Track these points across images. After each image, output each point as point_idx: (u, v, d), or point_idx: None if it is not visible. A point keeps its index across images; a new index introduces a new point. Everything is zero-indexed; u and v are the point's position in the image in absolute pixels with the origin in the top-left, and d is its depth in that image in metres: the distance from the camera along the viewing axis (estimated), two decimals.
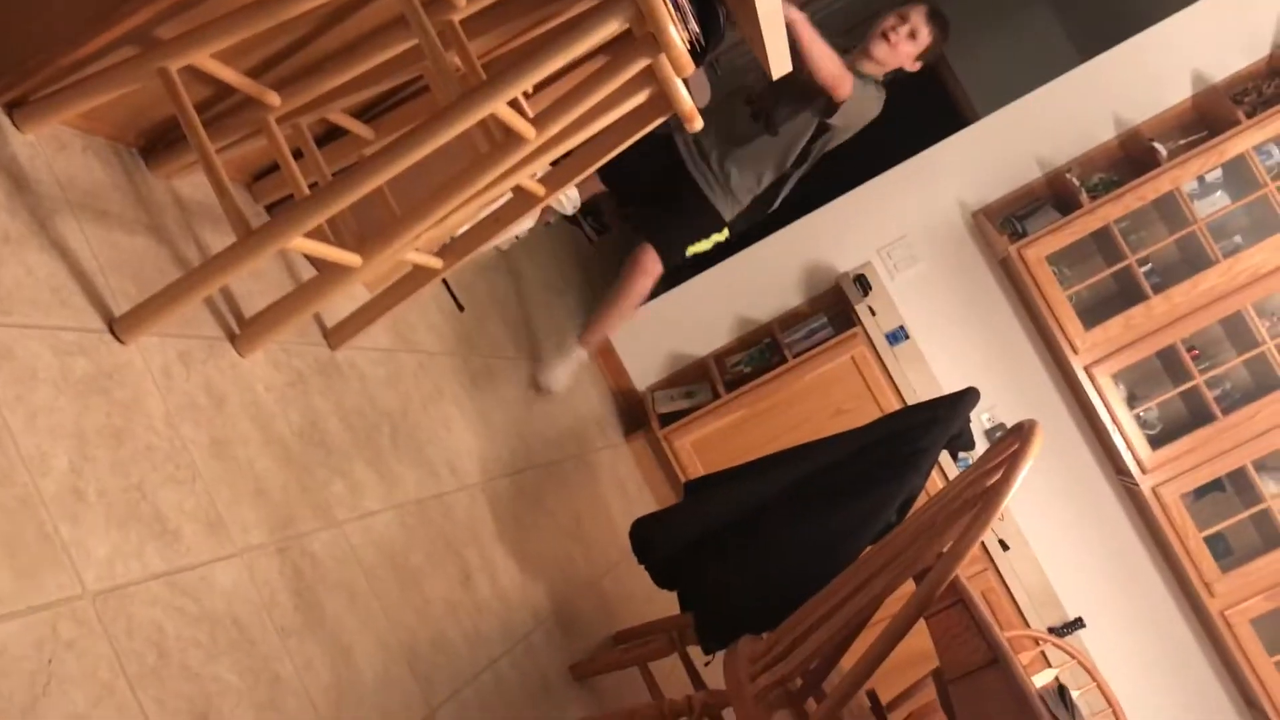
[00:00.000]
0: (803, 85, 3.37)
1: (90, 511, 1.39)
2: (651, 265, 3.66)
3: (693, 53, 1.80)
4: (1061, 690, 2.01)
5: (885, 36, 3.55)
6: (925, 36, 3.58)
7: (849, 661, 2.15)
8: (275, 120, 1.91)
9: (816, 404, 4.26)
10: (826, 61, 3.31)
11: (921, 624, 1.80)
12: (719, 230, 3.70)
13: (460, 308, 3.24)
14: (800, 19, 3.21)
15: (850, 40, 3.73)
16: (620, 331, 4.58)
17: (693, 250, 3.71)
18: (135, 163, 1.92)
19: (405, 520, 2.22)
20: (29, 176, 1.63)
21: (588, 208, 4.30)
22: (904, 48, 3.56)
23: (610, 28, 1.64)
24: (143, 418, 1.58)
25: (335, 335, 2.29)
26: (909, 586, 1.87)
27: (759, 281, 4.51)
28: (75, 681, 1.23)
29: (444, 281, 3.24)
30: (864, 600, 1.78)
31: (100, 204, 1.76)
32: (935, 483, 4.08)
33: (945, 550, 1.68)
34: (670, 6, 1.63)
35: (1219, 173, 4.12)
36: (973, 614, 1.89)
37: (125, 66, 1.62)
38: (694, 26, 1.73)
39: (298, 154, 2.09)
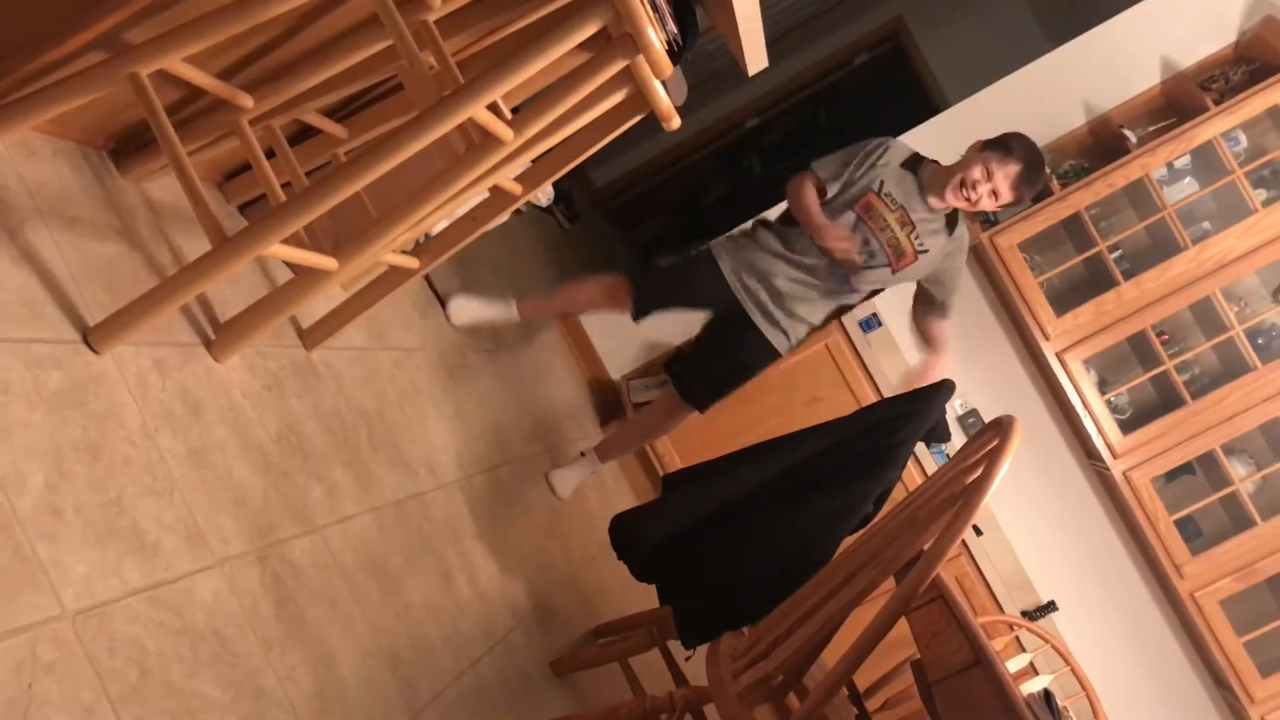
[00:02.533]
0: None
1: (68, 529, 1.37)
2: (683, 411, 3.43)
3: (670, 53, 1.79)
4: (1048, 696, 2.02)
5: (963, 190, 3.07)
6: (1006, 199, 3.10)
7: (828, 654, 2.16)
8: (248, 122, 1.88)
9: (791, 392, 4.27)
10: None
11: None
12: (766, 367, 3.36)
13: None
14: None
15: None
16: (596, 320, 4.58)
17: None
18: (105, 166, 1.89)
19: (384, 522, 2.20)
20: None
21: (560, 195, 4.29)
22: (982, 205, 3.10)
23: (588, 30, 1.62)
24: (119, 429, 1.56)
25: (310, 336, 2.27)
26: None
27: None
28: (56, 705, 1.22)
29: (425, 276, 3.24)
30: (846, 598, 1.79)
31: (71, 210, 1.73)
32: (910, 472, 4.11)
33: (926, 548, 1.69)
34: (649, 8, 1.62)
35: (1188, 159, 4.15)
36: (954, 611, 1.90)
37: (95, 71, 1.59)
38: (672, 27, 1.72)
39: (270, 153, 2.06)
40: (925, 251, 3.16)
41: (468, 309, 3.30)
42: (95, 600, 1.35)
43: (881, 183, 3.14)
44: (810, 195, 3.13)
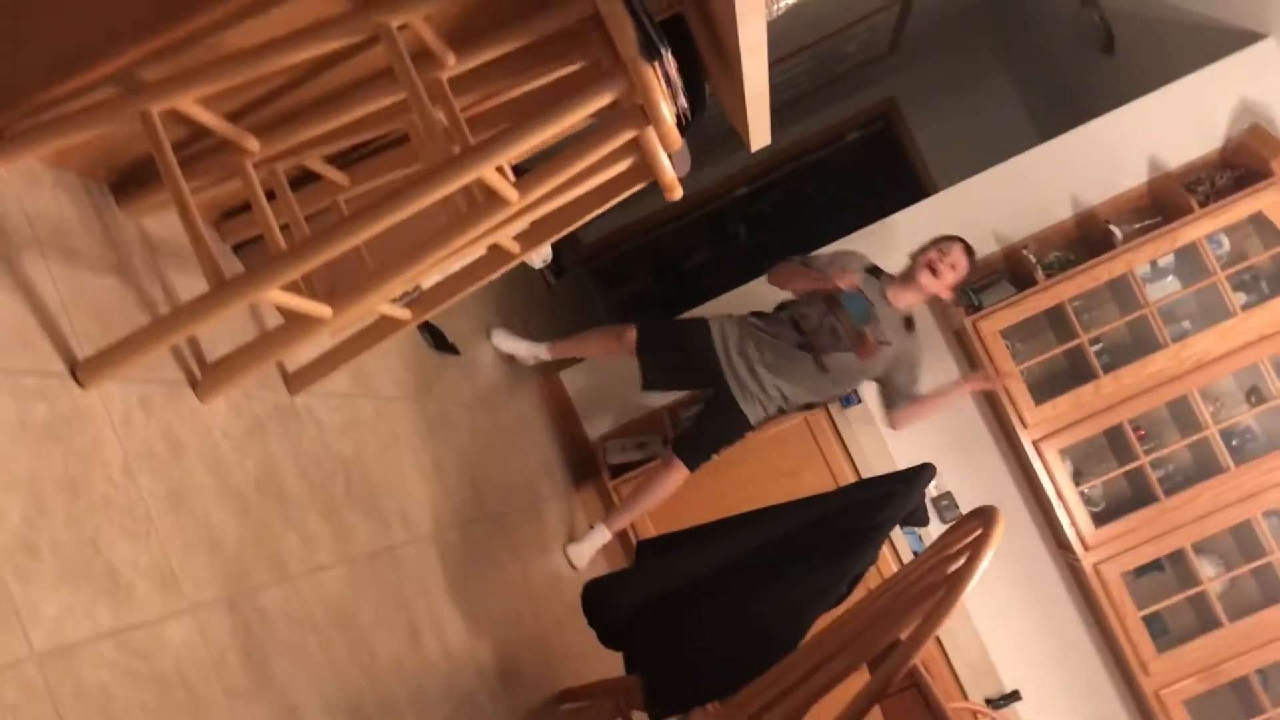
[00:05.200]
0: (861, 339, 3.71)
1: (43, 568, 1.34)
2: (678, 471, 3.80)
3: (679, 127, 1.80)
4: None
5: (931, 268, 3.75)
6: (963, 269, 3.80)
7: None
8: (252, 165, 1.88)
9: (768, 463, 4.27)
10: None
11: None
12: (743, 434, 3.84)
13: (456, 351, 3.44)
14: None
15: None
16: (575, 380, 4.58)
17: (718, 457, 3.86)
18: (105, 200, 1.88)
19: (356, 574, 2.17)
20: None
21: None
22: (947, 278, 3.76)
23: (602, 100, 1.63)
24: (101, 467, 1.53)
25: (296, 381, 2.25)
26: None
27: None
28: None
29: (431, 327, 3.29)
30: (820, 681, 1.78)
31: (68, 242, 1.72)
32: (884, 555, 4.10)
33: (906, 636, 1.68)
34: (663, 82, 1.63)
35: (1171, 258, 4.20)
36: (928, 699, 1.89)
37: (107, 107, 1.59)
38: (683, 102, 1.74)
39: (269, 195, 2.06)
40: (887, 344, 3.73)
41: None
42: (64, 642, 1.32)
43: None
44: (801, 269, 3.78)
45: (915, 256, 3.83)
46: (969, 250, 3.82)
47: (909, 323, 3.85)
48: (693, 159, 3.69)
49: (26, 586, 1.30)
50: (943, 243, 3.82)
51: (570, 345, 4.09)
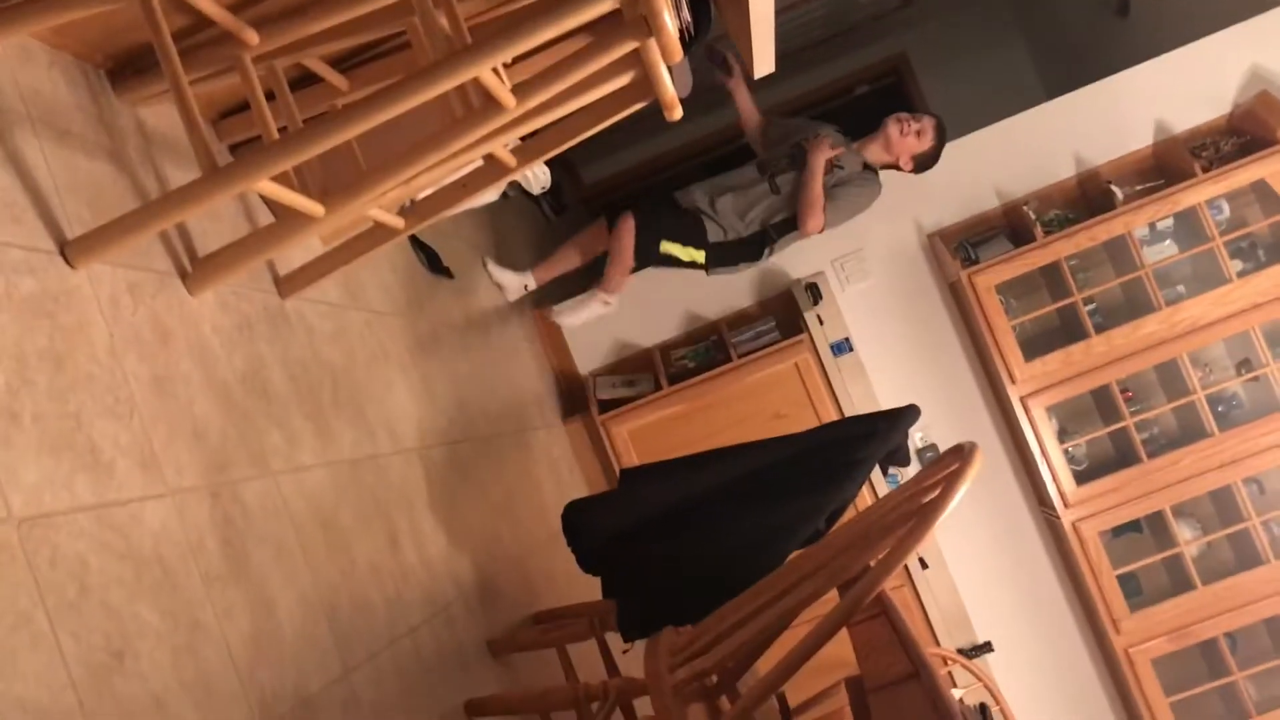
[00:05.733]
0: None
1: (23, 435, 1.35)
2: (624, 229, 4.05)
3: (681, 41, 1.79)
4: (983, 708, 2.04)
5: (899, 124, 4.08)
6: (928, 141, 4.10)
7: (763, 663, 2.17)
8: (251, 59, 1.86)
9: (756, 406, 4.29)
10: (814, 204, 4.01)
11: (841, 632, 1.82)
12: (698, 244, 4.09)
13: (450, 275, 3.44)
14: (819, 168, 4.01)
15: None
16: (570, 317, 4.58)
17: (667, 247, 4.07)
18: (102, 85, 1.87)
19: (338, 478, 2.19)
20: None
21: (550, 186, 4.29)
22: (909, 140, 4.09)
23: (604, 5, 1.62)
24: (86, 346, 1.54)
25: (286, 284, 2.25)
26: (832, 594, 1.88)
27: (713, 279, 4.51)
28: None
29: (426, 248, 3.28)
30: (789, 604, 1.80)
31: (62, 123, 1.71)
32: (863, 497, 4.12)
33: (875, 562, 1.70)
34: None
35: (1170, 222, 4.20)
36: (896, 627, 1.91)
37: None
38: (686, 15, 1.72)
39: (269, 96, 2.04)
40: (840, 168, 4.07)
41: (504, 276, 4.06)
42: (43, 510, 1.33)
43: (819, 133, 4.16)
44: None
45: (888, 120, 4.13)
46: (940, 131, 4.11)
47: (869, 167, 4.14)
48: (698, 106, 3.71)
49: (7, 451, 1.31)
50: (920, 113, 4.15)
51: (553, 262, 4.23)
